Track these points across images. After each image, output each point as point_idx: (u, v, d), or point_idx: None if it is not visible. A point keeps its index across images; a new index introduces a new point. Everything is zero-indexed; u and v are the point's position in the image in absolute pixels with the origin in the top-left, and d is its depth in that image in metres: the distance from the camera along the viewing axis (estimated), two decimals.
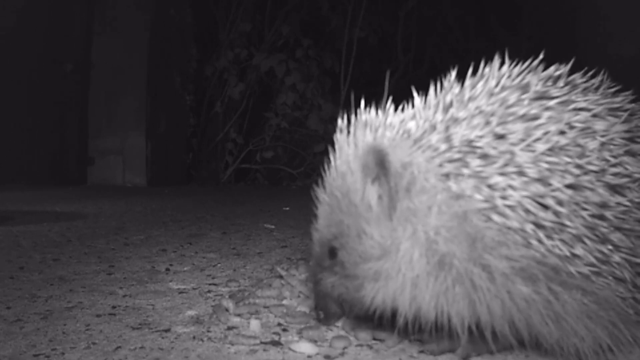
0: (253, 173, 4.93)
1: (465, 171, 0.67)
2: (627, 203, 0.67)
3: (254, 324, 0.85)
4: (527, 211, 0.65)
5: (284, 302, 0.97)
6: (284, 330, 0.85)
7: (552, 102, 0.70)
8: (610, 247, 0.67)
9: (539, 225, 0.65)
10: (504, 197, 0.65)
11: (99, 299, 1.05)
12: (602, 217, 0.66)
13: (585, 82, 0.76)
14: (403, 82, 4.40)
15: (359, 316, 0.83)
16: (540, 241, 0.65)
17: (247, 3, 4.83)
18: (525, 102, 0.70)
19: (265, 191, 4.20)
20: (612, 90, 0.78)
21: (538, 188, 0.65)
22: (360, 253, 0.73)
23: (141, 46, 4.22)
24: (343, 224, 0.75)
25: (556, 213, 0.65)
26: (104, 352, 0.76)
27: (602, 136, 0.69)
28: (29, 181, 3.90)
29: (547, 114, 0.69)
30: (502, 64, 0.76)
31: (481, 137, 0.68)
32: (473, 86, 0.74)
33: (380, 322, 0.83)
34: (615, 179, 0.68)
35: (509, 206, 0.65)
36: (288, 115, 4.76)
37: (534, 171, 0.66)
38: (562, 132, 0.68)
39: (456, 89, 0.75)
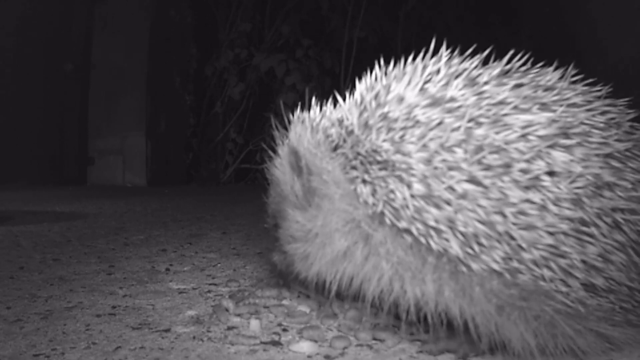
0: (253, 173, 4.93)
1: (367, 177, 0.71)
2: (538, 200, 0.64)
3: (254, 324, 0.85)
4: (417, 211, 0.66)
5: (284, 302, 0.97)
6: (284, 330, 0.85)
7: (457, 104, 0.69)
8: (514, 244, 0.64)
9: (427, 225, 0.66)
10: (392, 199, 0.68)
11: (99, 299, 1.05)
12: (502, 214, 0.64)
13: (522, 78, 0.73)
14: None
15: (357, 316, 0.86)
16: (432, 240, 0.66)
17: (247, 3, 4.83)
18: (432, 107, 0.70)
19: (266, 191, 4.19)
20: (576, 85, 0.75)
21: (428, 187, 0.66)
22: (290, 234, 0.83)
23: (141, 46, 4.22)
24: (280, 205, 0.85)
25: (445, 211, 0.65)
26: (104, 352, 0.76)
27: (523, 128, 0.66)
28: (29, 181, 3.91)
29: (449, 115, 0.68)
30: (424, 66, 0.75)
31: (384, 141, 0.70)
32: (388, 90, 0.74)
33: (380, 322, 0.83)
34: (525, 174, 0.65)
35: (398, 208, 0.67)
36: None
37: (421, 171, 0.66)
38: (469, 128, 0.66)
39: (373, 91, 0.76)
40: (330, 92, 0.85)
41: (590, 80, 0.77)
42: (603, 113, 0.72)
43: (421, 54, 0.76)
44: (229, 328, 0.86)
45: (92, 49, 4.29)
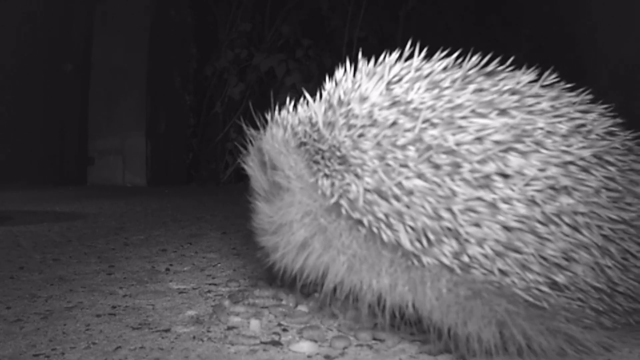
0: None
1: (327, 171, 0.73)
2: (489, 199, 0.64)
3: (254, 324, 0.85)
4: (369, 203, 0.68)
5: (284, 302, 0.97)
6: (284, 330, 0.85)
7: (413, 105, 0.70)
8: (462, 239, 0.65)
9: (378, 218, 0.68)
10: (348, 191, 0.70)
11: (99, 299, 1.05)
12: (450, 211, 0.65)
13: (484, 82, 0.73)
14: None
15: (358, 317, 0.85)
16: (384, 232, 0.68)
17: (247, 3, 4.83)
18: (390, 107, 0.71)
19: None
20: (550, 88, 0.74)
21: (379, 181, 0.68)
22: (261, 227, 0.87)
23: (141, 46, 4.21)
24: (253, 198, 0.88)
25: (394, 205, 0.67)
26: (104, 352, 0.76)
27: (478, 131, 0.67)
28: (29, 181, 3.91)
29: (403, 116, 0.70)
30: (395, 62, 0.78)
31: (345, 137, 0.73)
32: (353, 88, 0.77)
33: (380, 322, 0.83)
34: (476, 174, 0.65)
35: (352, 200, 0.70)
36: None
37: (374, 167, 0.68)
38: (423, 129, 0.68)
39: (340, 89, 0.79)
40: None
41: (571, 85, 0.76)
42: (570, 120, 0.71)
43: (383, 55, 0.80)
44: (229, 328, 0.86)
45: (92, 49, 4.29)
